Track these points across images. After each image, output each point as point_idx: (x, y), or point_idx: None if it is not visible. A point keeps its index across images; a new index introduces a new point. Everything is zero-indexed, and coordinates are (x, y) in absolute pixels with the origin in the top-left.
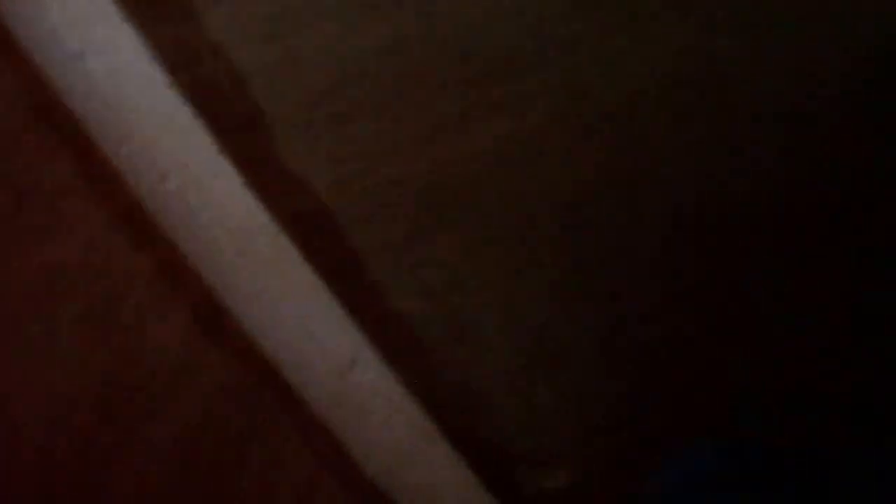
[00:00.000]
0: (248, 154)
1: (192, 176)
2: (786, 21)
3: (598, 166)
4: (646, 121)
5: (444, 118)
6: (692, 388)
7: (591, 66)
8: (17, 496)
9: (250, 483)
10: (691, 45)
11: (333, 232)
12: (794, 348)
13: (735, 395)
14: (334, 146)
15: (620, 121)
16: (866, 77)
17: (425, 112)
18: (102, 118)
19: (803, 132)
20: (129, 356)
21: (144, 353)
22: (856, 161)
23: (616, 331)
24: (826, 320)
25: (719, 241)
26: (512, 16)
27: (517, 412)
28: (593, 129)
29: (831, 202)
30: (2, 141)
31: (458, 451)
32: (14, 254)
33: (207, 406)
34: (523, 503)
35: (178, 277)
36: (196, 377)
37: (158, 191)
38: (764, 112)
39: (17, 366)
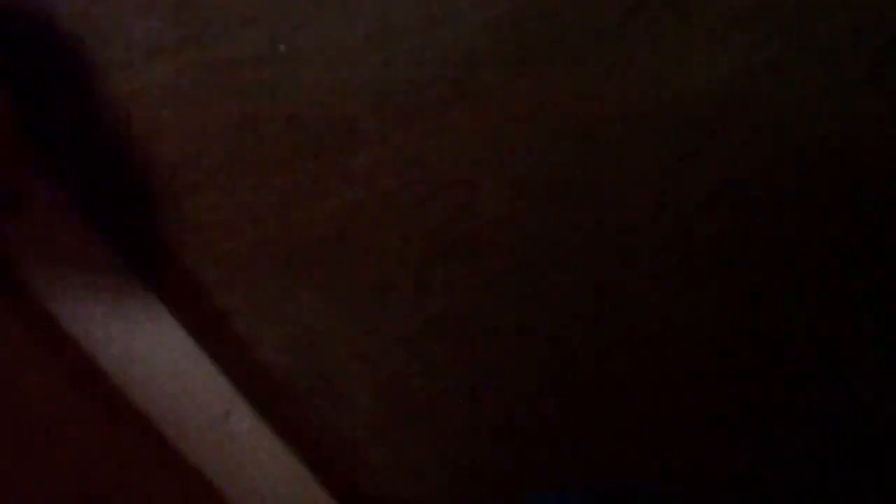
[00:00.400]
0: (120, 229)
1: None
2: None
3: (442, 228)
4: (479, 185)
5: (298, 185)
6: (553, 437)
7: (431, 135)
8: None
9: None
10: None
11: (202, 293)
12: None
13: (594, 445)
14: (195, 214)
15: (458, 189)
16: None
17: (280, 180)
18: None
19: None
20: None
21: (14, 407)
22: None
23: (475, 383)
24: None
25: (564, 295)
26: (355, 90)
27: (384, 460)
28: (436, 195)
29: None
30: None
31: (333, 497)
32: None
33: (82, 462)
34: None
35: (50, 335)
36: (68, 433)
37: None
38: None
39: None
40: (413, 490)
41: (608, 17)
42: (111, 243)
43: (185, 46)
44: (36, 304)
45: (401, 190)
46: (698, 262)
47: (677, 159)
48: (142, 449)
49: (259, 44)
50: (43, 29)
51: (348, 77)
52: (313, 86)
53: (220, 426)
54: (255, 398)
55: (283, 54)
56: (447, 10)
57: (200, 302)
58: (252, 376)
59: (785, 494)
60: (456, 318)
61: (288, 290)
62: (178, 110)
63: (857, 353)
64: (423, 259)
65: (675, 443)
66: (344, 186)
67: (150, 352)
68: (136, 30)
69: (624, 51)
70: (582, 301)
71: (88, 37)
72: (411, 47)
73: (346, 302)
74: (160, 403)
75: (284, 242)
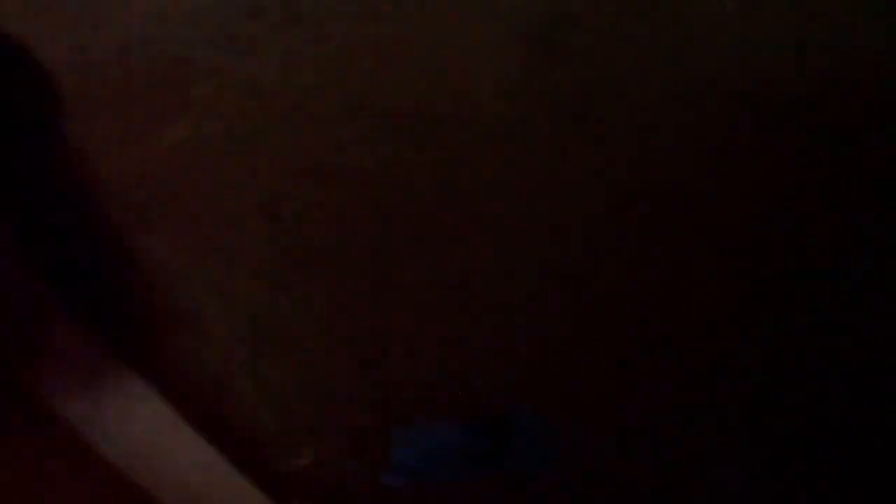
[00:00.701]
0: None
1: None
2: None
3: (294, 160)
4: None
5: (131, 124)
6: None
7: (267, 66)
8: None
9: None
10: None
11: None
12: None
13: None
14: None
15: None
16: None
17: (113, 117)
18: None
19: None
20: None
21: None
22: None
23: (332, 312)
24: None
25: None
26: (189, 20)
27: (252, 396)
28: (277, 127)
29: None
30: None
31: (204, 435)
32: None
33: None
34: (275, 481)
35: None
36: None
37: None
38: None
39: None
40: (279, 422)
41: None
42: None
43: None
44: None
45: (242, 121)
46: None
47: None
48: None
49: None
50: None
51: (175, 7)
52: (139, 17)
53: None
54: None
55: None
56: None
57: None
58: None
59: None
60: (311, 248)
61: (134, 231)
62: None
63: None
64: (273, 190)
65: (554, 367)
66: (181, 121)
67: None
68: None
69: None
70: (426, 220)
71: None
72: None
73: (199, 237)
74: None
75: (123, 184)
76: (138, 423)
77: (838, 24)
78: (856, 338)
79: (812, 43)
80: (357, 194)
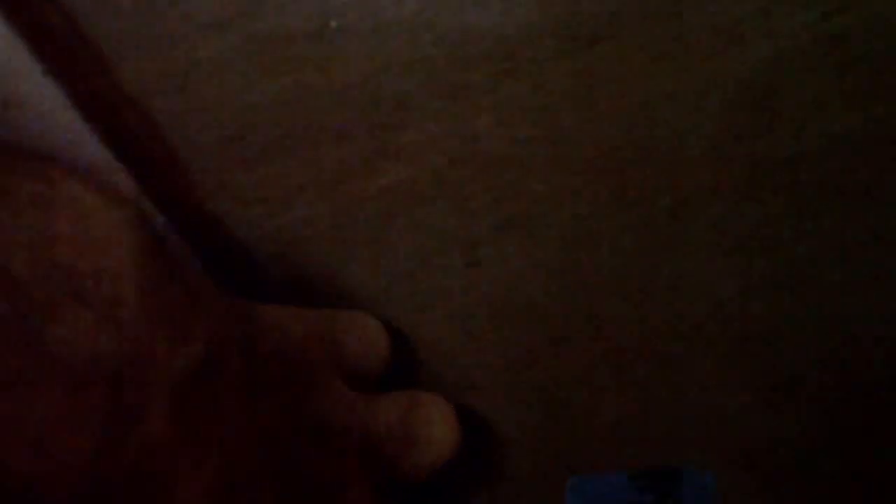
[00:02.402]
0: (167, 196)
1: None
2: None
3: (491, 206)
4: (529, 165)
5: (348, 163)
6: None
7: (481, 112)
8: None
9: None
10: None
11: (252, 266)
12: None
13: None
14: (246, 190)
15: (509, 167)
16: None
17: (330, 157)
18: None
19: None
20: None
21: None
22: None
23: (519, 365)
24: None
25: (613, 274)
26: (405, 66)
27: None
28: (485, 172)
29: None
30: None
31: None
32: None
33: None
34: None
35: None
36: None
37: None
38: None
39: None
40: (454, 466)
41: None
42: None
43: (238, 21)
44: None
45: (450, 167)
46: (747, 241)
47: (733, 138)
48: None
49: (310, 19)
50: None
51: (398, 54)
52: (364, 62)
53: None
54: None
55: (334, 30)
56: None
57: (252, 276)
58: None
59: (829, 469)
60: (507, 297)
61: (335, 267)
62: (229, 86)
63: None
64: (473, 237)
65: (714, 423)
66: (394, 164)
67: None
68: (192, 3)
69: (678, 29)
70: (628, 280)
71: (141, 12)
72: (462, 24)
73: (390, 278)
74: None
75: (334, 220)
76: None
77: None
78: None
79: None
80: (550, 247)
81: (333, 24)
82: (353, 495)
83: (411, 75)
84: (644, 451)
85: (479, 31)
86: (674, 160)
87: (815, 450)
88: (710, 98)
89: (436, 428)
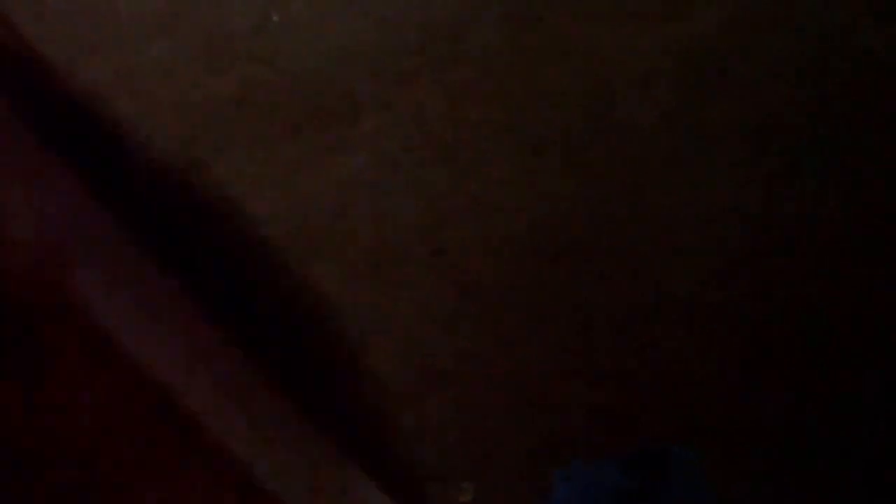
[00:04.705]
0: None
1: None
2: None
3: (449, 192)
4: (481, 149)
5: (302, 156)
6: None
7: (432, 97)
8: None
9: None
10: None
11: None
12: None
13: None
14: (203, 190)
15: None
16: None
17: (285, 152)
18: None
19: None
20: None
21: None
22: None
23: (496, 353)
24: None
25: (581, 253)
26: (352, 56)
27: (414, 432)
28: (442, 157)
29: None
30: None
31: (367, 472)
32: None
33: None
34: None
35: None
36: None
37: None
38: None
39: None
40: (440, 458)
41: None
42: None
43: (176, 21)
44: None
45: (406, 154)
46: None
47: (692, 105)
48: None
49: (251, 15)
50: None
51: (344, 43)
52: (309, 54)
53: None
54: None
55: (277, 24)
56: None
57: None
58: None
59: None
60: (476, 283)
61: (300, 262)
62: (178, 86)
63: None
64: (435, 224)
65: (701, 404)
66: (349, 155)
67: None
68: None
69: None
70: (596, 259)
71: (75, 16)
72: (407, 6)
73: (356, 271)
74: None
75: (294, 217)
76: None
77: None
78: None
79: None
80: (514, 229)
81: (275, 17)
82: None
83: (357, 65)
84: (623, 433)
85: (421, 16)
86: (630, 133)
87: (791, 425)
88: (661, 67)
89: None
